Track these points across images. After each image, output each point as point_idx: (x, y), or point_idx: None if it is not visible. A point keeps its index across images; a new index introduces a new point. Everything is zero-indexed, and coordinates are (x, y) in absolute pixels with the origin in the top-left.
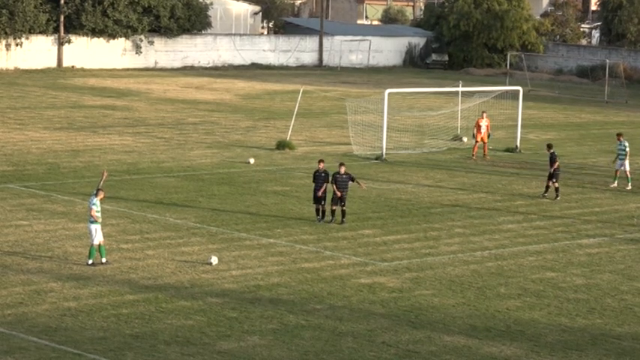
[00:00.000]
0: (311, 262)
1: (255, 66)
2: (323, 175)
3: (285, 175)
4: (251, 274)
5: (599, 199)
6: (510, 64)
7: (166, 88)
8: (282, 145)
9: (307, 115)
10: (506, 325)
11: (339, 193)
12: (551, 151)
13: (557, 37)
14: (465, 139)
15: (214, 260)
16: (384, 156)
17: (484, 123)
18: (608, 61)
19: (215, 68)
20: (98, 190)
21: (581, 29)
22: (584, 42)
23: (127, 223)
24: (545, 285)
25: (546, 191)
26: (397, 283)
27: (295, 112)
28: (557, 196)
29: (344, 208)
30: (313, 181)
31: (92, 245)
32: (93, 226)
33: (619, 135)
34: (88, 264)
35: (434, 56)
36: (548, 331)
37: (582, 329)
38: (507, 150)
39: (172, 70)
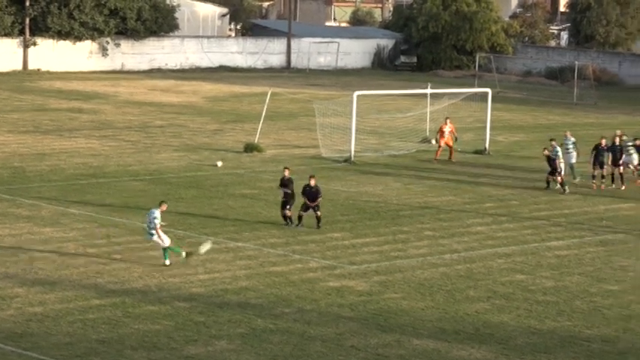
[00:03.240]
0: (279, 265)
1: (222, 68)
2: (287, 182)
3: (253, 178)
4: (219, 278)
5: (568, 201)
6: (479, 66)
7: (133, 90)
8: (250, 148)
9: (275, 118)
10: (476, 328)
11: (310, 204)
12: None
13: (526, 38)
14: (433, 142)
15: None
16: (353, 158)
17: (447, 129)
18: (577, 62)
19: (182, 71)
20: (162, 202)
21: (550, 31)
22: (552, 43)
23: (94, 228)
24: (515, 287)
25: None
26: (366, 286)
27: (263, 115)
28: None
29: (318, 213)
30: (279, 187)
31: (165, 248)
32: (154, 238)
33: (567, 132)
34: (165, 265)
35: (402, 58)
36: (517, 333)
37: (551, 332)
38: (476, 152)
39: (139, 72)
